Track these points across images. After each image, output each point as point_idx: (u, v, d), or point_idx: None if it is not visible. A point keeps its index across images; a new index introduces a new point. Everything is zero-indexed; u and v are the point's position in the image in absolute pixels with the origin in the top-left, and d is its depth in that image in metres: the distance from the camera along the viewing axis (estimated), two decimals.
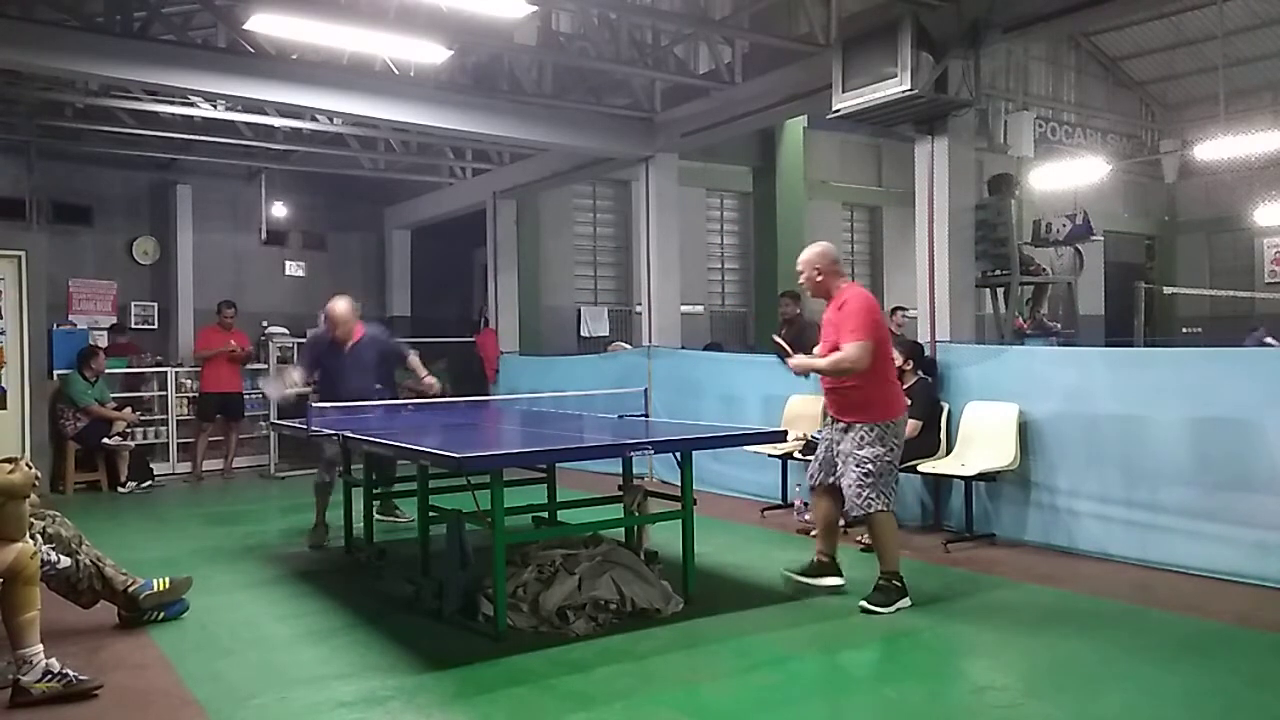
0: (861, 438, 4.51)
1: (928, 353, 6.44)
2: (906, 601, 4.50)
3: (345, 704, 3.43)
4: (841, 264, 4.82)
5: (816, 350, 4.76)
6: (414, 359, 6.63)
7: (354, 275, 13.20)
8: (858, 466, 4.49)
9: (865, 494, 4.47)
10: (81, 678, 3.50)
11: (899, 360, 6.20)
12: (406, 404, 6.93)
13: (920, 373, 6.25)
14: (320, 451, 6.37)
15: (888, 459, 4.52)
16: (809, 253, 4.77)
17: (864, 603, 4.47)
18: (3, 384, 8.33)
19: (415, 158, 11.63)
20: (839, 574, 4.82)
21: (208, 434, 9.90)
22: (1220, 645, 3.96)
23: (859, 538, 5.83)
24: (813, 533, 5.79)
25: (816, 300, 4.92)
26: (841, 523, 6.17)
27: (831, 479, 4.71)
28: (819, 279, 4.71)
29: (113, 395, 9.42)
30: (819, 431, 5.07)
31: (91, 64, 6.85)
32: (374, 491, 6.03)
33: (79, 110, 9.45)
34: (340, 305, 6.41)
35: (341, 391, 6.15)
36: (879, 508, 4.48)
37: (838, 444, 4.65)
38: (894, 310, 10.43)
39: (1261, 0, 14.48)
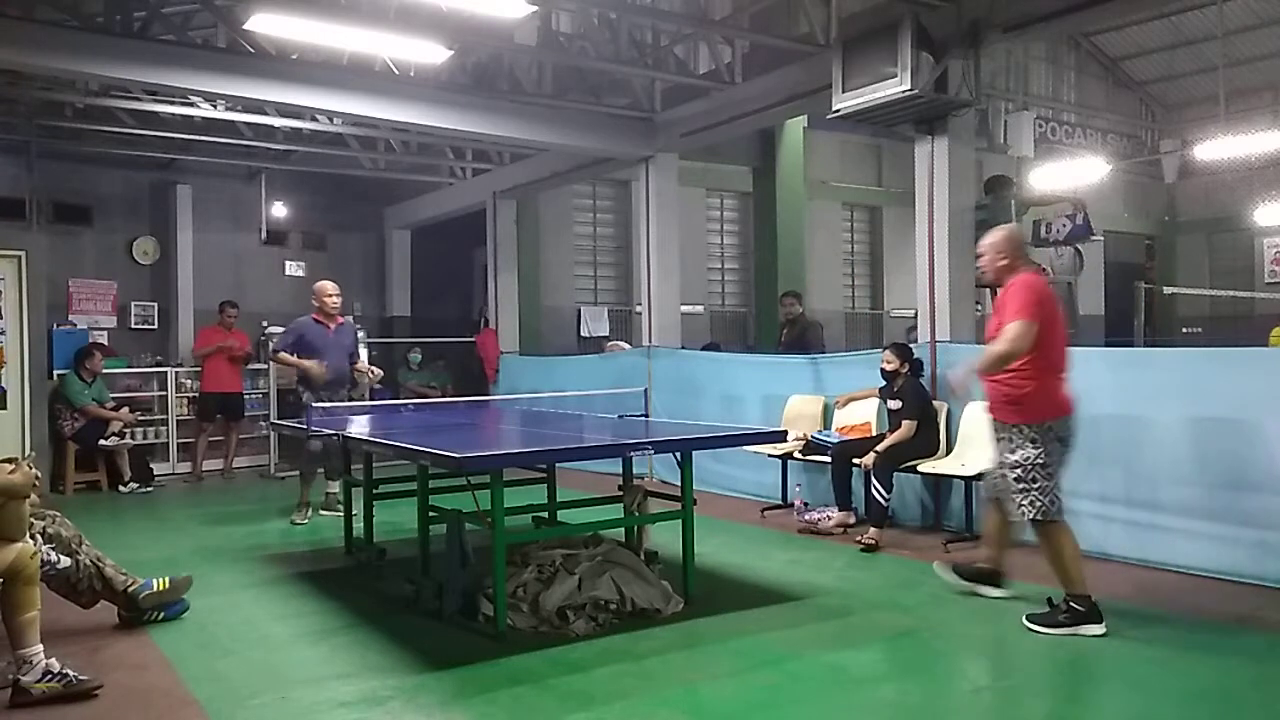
0: (1013, 439, 4.18)
1: (917, 353, 6.42)
2: (1092, 629, 4.04)
3: (345, 704, 3.43)
4: (1028, 253, 4.37)
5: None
6: (362, 361, 7.52)
7: (354, 275, 13.19)
8: (1010, 471, 4.18)
9: (1020, 500, 4.15)
10: (81, 678, 3.50)
11: (894, 364, 6.20)
12: (406, 404, 7.04)
13: (909, 373, 6.23)
14: (306, 445, 6.84)
15: (1040, 461, 4.11)
16: (997, 236, 4.42)
17: (1026, 620, 4.15)
18: (3, 384, 8.33)
19: (415, 158, 11.64)
20: (999, 583, 4.60)
21: (208, 434, 9.91)
22: (1220, 645, 3.95)
23: (859, 538, 5.84)
24: (865, 538, 5.76)
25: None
26: (851, 520, 6.20)
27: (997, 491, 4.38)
28: (1003, 262, 4.34)
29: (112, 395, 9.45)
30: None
31: (91, 64, 6.85)
32: (375, 490, 6.04)
33: (79, 110, 9.46)
34: (331, 283, 7.36)
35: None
36: (1033, 515, 4.13)
37: (993, 443, 4.35)
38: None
39: (1261, 0, 14.48)
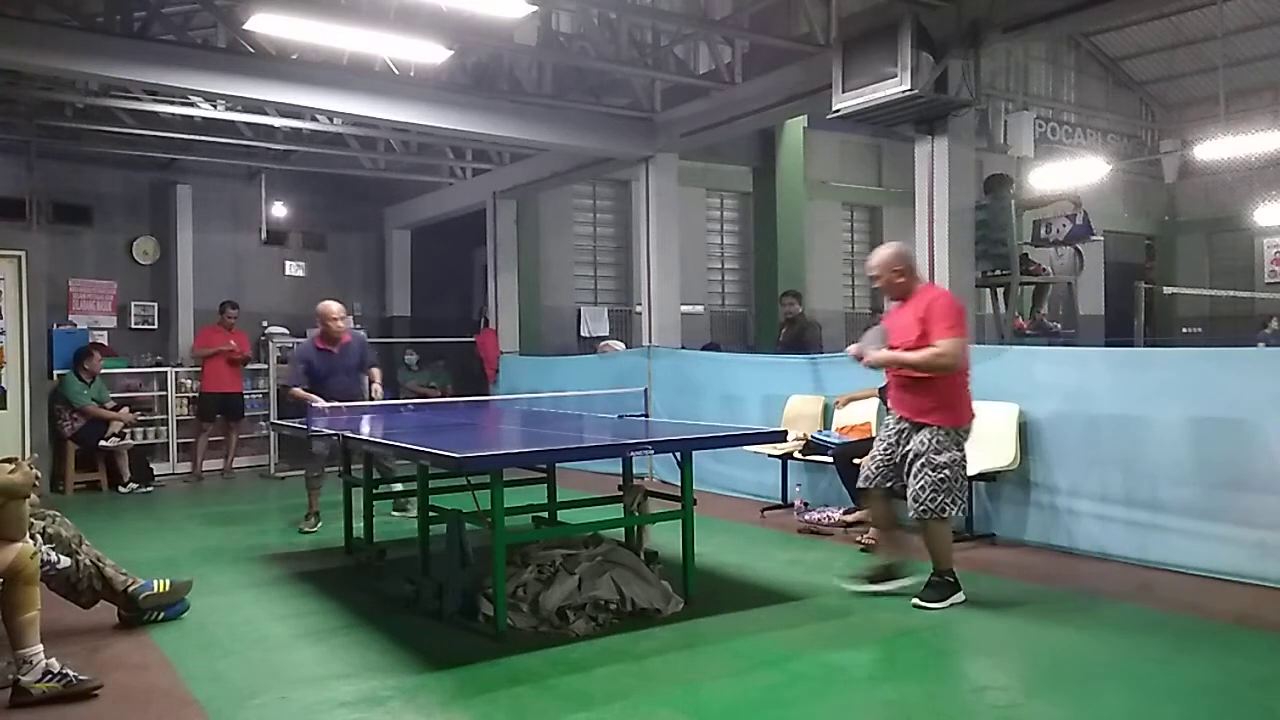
0: (939, 441, 4.42)
1: None
2: (960, 596, 4.51)
3: (345, 704, 3.43)
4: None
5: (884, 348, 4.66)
6: (375, 373, 7.03)
7: (354, 275, 13.21)
8: (934, 471, 4.40)
9: (940, 499, 4.40)
10: (81, 678, 3.50)
11: None
12: (406, 404, 7.01)
13: None
14: (309, 448, 6.68)
15: (963, 463, 4.50)
16: (888, 253, 4.67)
17: (916, 600, 4.48)
18: (3, 384, 8.33)
19: (415, 158, 11.64)
20: (901, 575, 4.74)
21: (208, 434, 9.90)
22: (1220, 645, 3.95)
23: (859, 538, 5.84)
24: (866, 538, 5.72)
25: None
26: (840, 518, 6.21)
27: (891, 483, 4.63)
28: (900, 280, 4.61)
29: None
30: (885, 428, 4.84)
31: (91, 64, 6.85)
32: (375, 490, 6.04)
33: (79, 110, 9.45)
34: (335, 304, 6.99)
35: (331, 392, 6.56)
36: (951, 514, 4.47)
37: (902, 444, 4.55)
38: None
39: (1261, 0, 14.48)
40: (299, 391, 6.67)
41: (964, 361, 4.51)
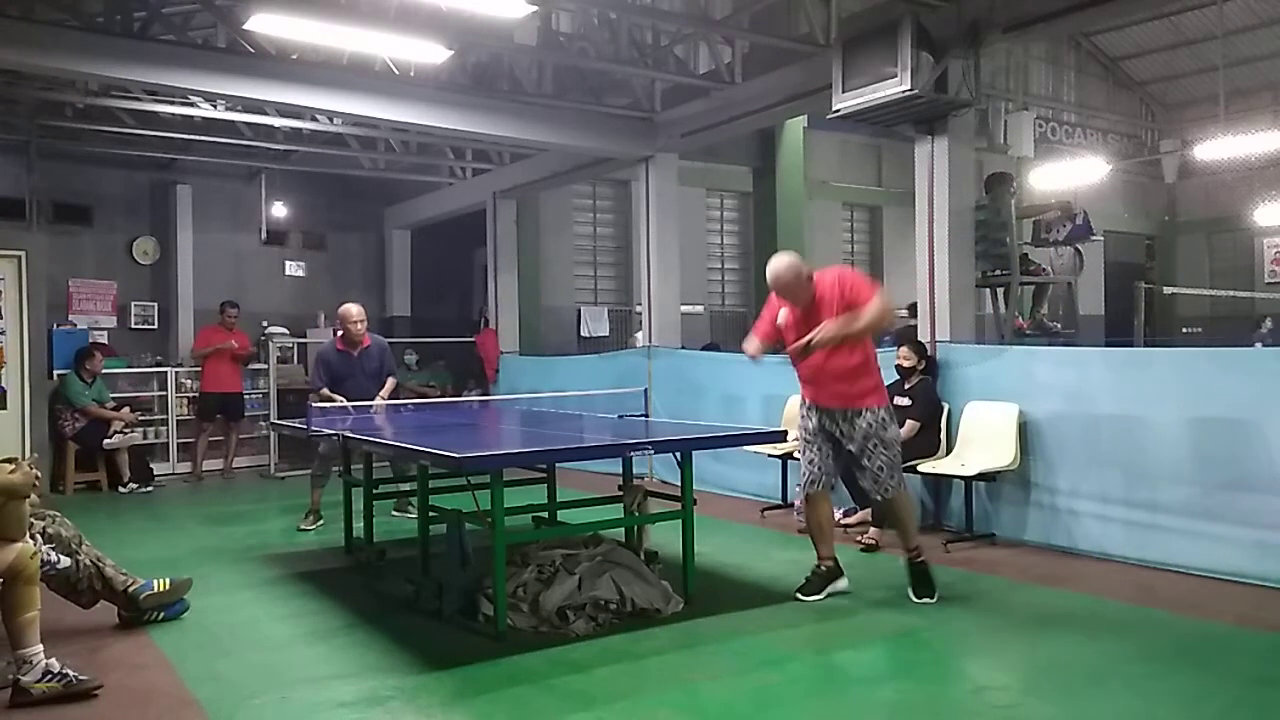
0: (882, 420, 4.51)
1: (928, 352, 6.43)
2: (932, 573, 4.63)
3: (345, 704, 3.43)
4: None
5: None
6: (390, 382, 7.02)
7: (354, 275, 13.21)
8: (887, 449, 4.50)
9: (896, 475, 4.54)
10: (81, 678, 3.50)
11: (911, 360, 6.21)
12: (406, 404, 7.00)
13: (924, 372, 6.23)
14: (315, 447, 6.67)
15: (900, 438, 4.67)
16: (790, 260, 4.52)
17: (917, 598, 4.55)
18: (3, 384, 8.33)
19: (415, 158, 11.64)
20: (843, 574, 4.79)
21: (208, 434, 9.90)
22: (1220, 645, 3.96)
23: (859, 538, 5.84)
24: (865, 538, 5.76)
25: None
26: (869, 518, 6.20)
27: (835, 479, 4.69)
28: (809, 282, 4.50)
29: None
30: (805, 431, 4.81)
31: (91, 64, 6.85)
32: (375, 490, 6.03)
33: (79, 110, 9.46)
34: (355, 306, 6.96)
35: (347, 395, 6.61)
36: (903, 489, 4.59)
37: (847, 436, 4.54)
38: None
39: (1261, 0, 14.48)
40: (326, 392, 6.69)
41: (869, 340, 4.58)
